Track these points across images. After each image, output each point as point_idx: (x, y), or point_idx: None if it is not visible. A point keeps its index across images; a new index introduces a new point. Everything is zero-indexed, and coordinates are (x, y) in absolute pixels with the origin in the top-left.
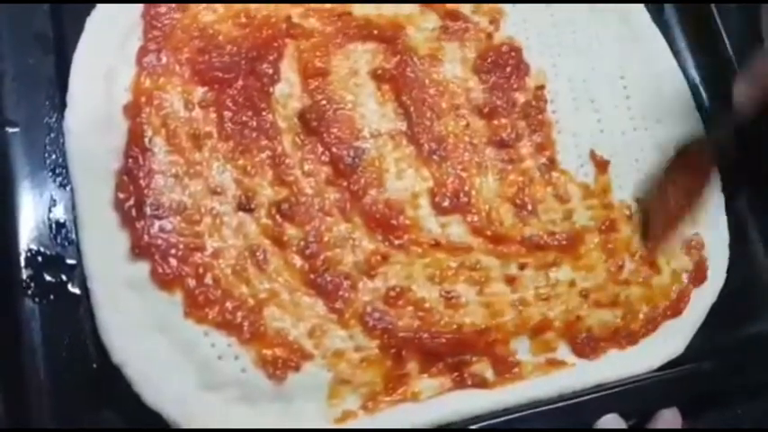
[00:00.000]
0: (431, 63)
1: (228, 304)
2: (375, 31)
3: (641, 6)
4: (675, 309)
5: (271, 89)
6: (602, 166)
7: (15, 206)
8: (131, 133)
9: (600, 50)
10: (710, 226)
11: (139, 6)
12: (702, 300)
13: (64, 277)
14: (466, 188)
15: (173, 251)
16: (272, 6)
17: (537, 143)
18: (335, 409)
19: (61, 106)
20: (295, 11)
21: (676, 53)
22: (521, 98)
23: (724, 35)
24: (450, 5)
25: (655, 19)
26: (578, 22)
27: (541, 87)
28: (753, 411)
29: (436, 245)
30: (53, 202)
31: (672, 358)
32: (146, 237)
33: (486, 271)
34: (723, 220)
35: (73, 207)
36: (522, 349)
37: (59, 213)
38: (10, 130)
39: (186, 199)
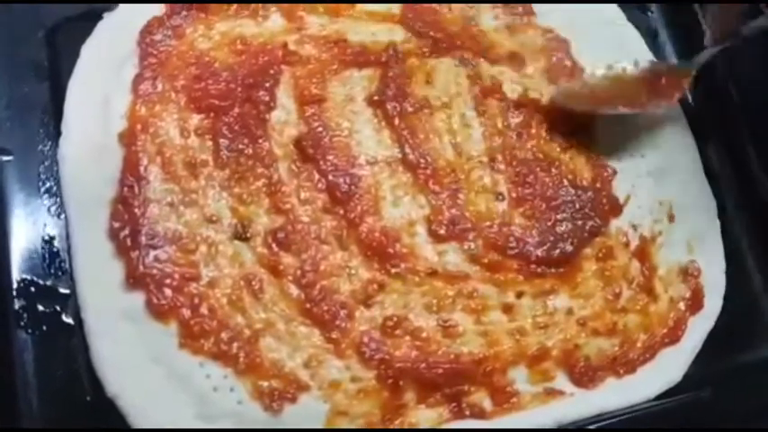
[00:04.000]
0: None
1: (224, 335)
2: (371, 58)
3: (636, 33)
4: (673, 336)
5: (267, 116)
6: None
7: (8, 235)
8: (126, 161)
9: (595, 77)
10: (707, 253)
11: (135, 34)
12: (699, 327)
13: (57, 307)
14: (467, 214)
15: (168, 281)
16: (267, 33)
17: None
18: None
19: (56, 134)
20: (291, 38)
21: None
22: None
23: (720, 62)
24: None
25: (650, 45)
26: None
27: None
28: None
29: (433, 273)
30: (47, 232)
31: (670, 386)
32: (140, 267)
33: (484, 299)
34: (719, 247)
35: (67, 236)
36: (519, 379)
37: (53, 242)
38: (4, 158)
39: (181, 228)
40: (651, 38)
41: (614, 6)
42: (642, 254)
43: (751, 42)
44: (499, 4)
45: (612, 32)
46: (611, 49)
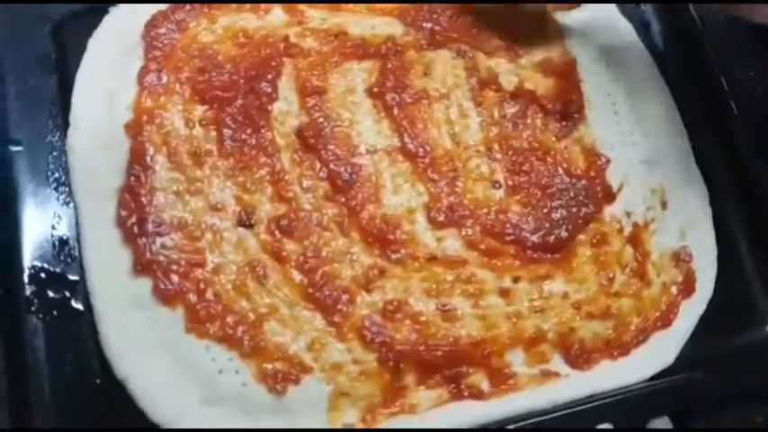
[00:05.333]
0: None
1: (229, 319)
2: (371, 50)
3: (629, 25)
4: (665, 320)
5: (269, 107)
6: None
7: (19, 224)
8: (133, 151)
9: (588, 67)
10: (699, 239)
11: (140, 27)
12: (691, 311)
13: (67, 293)
14: (465, 202)
15: (174, 267)
16: (269, 26)
17: None
18: (335, 422)
19: (64, 125)
20: (292, 31)
21: (664, 71)
22: None
23: (710, 53)
24: None
25: (642, 36)
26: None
27: None
28: (743, 420)
29: (432, 259)
30: (56, 220)
31: (662, 369)
32: (148, 253)
33: (481, 284)
34: (711, 232)
35: (76, 224)
36: (516, 361)
37: (62, 230)
38: (13, 148)
39: (187, 215)
40: (644, 28)
41: None
42: (635, 240)
43: (740, 29)
44: None
45: (605, 24)
46: (605, 38)
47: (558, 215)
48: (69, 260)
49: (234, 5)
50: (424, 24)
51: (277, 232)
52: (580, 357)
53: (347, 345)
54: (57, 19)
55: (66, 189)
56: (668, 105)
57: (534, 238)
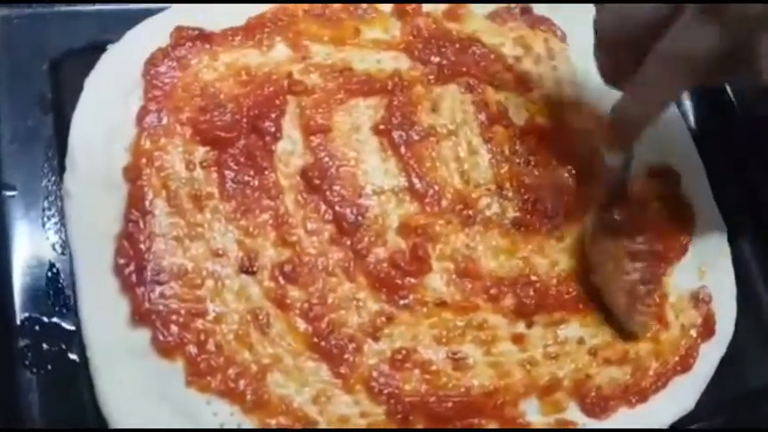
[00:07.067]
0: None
1: (231, 371)
2: (377, 86)
3: None
4: (685, 364)
5: (273, 147)
6: None
7: (12, 271)
8: (131, 196)
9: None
10: (718, 279)
11: (139, 65)
12: (711, 354)
13: (63, 345)
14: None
15: (174, 317)
16: (272, 63)
17: None
18: None
19: (60, 169)
20: (296, 67)
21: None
22: None
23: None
24: None
25: None
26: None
27: None
28: None
29: (442, 304)
30: (51, 268)
31: (683, 415)
32: (146, 303)
33: (493, 330)
34: (730, 272)
35: (71, 273)
36: (531, 410)
37: (58, 279)
38: (7, 193)
39: (187, 262)
40: None
41: None
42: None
43: None
44: None
45: None
46: None
47: None
48: (65, 310)
49: (236, 41)
50: (432, 58)
51: (281, 278)
52: (597, 406)
53: (354, 397)
54: (54, 57)
55: (62, 236)
56: (686, 143)
57: None
